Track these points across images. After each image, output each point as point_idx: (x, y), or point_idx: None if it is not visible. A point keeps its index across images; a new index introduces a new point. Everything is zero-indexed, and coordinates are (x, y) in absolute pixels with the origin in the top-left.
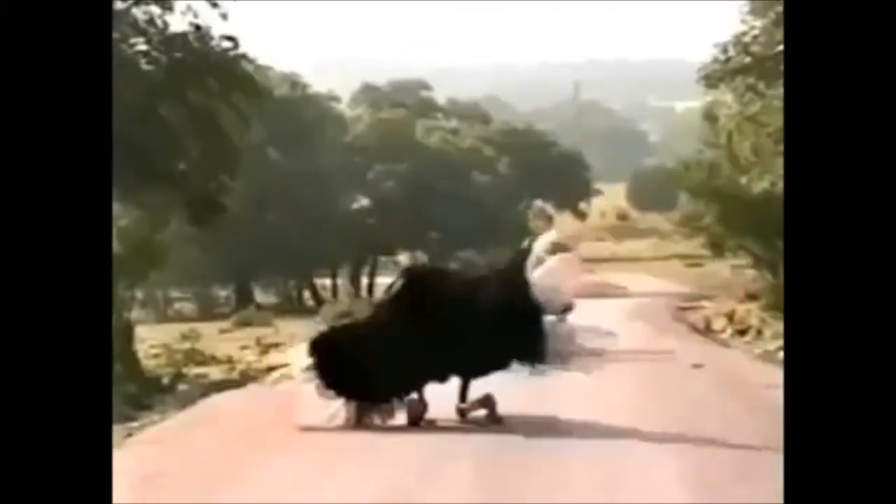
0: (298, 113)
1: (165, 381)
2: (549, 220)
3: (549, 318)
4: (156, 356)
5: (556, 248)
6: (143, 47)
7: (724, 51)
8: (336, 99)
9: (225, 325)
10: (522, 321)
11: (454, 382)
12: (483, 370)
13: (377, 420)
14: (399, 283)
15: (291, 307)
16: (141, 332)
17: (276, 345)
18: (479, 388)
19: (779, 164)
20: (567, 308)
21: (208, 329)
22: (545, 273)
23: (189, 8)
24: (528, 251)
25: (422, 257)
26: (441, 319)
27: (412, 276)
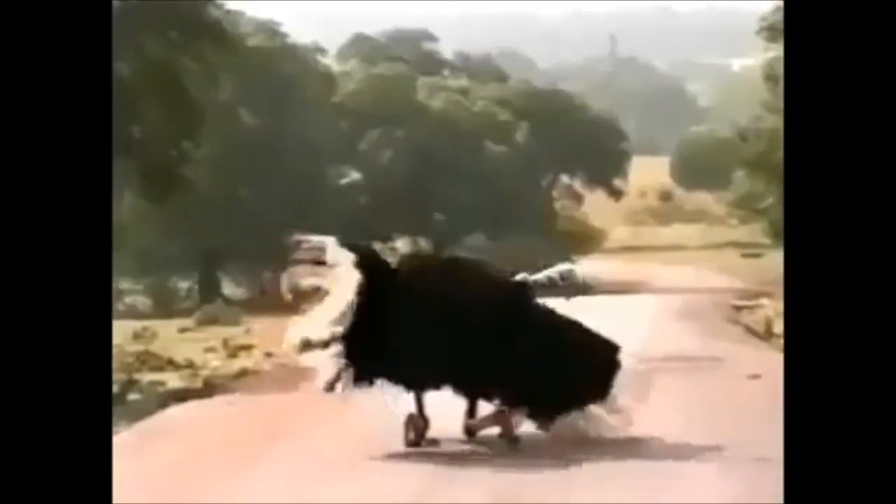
0: (276, 68)
1: (115, 389)
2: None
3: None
4: None
5: None
6: None
7: None
8: (322, 51)
9: (186, 322)
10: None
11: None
12: (485, 391)
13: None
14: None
15: (266, 302)
16: None
17: (247, 347)
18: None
19: None
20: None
21: (166, 327)
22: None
23: None
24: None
25: (424, 243)
26: (440, 318)
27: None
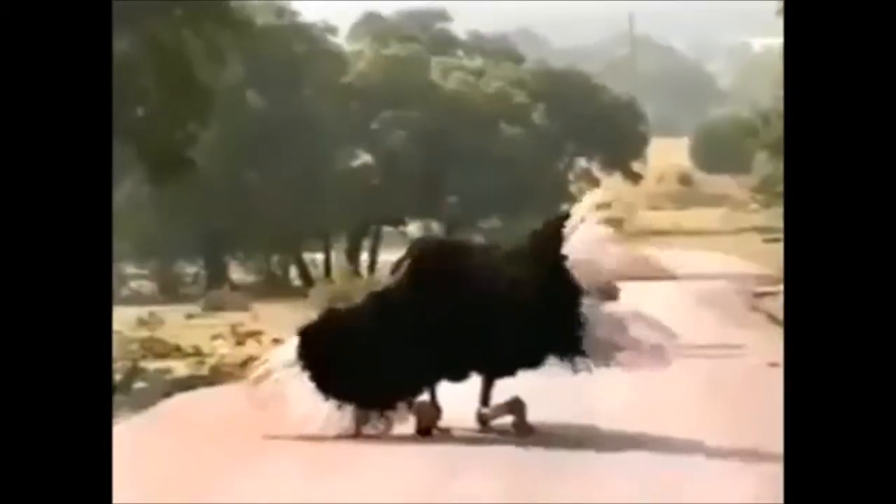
0: (286, 47)
1: (119, 376)
2: (596, 184)
3: (589, 303)
4: None
5: (598, 209)
6: None
7: None
8: (332, 31)
9: (192, 308)
10: (556, 306)
11: (474, 382)
12: (510, 368)
13: (379, 428)
14: (407, 260)
15: (274, 288)
16: None
17: (256, 333)
18: (504, 389)
19: None
20: (609, 290)
21: (172, 313)
22: (579, 243)
23: None
24: (565, 217)
25: (436, 227)
26: (459, 305)
27: (423, 251)
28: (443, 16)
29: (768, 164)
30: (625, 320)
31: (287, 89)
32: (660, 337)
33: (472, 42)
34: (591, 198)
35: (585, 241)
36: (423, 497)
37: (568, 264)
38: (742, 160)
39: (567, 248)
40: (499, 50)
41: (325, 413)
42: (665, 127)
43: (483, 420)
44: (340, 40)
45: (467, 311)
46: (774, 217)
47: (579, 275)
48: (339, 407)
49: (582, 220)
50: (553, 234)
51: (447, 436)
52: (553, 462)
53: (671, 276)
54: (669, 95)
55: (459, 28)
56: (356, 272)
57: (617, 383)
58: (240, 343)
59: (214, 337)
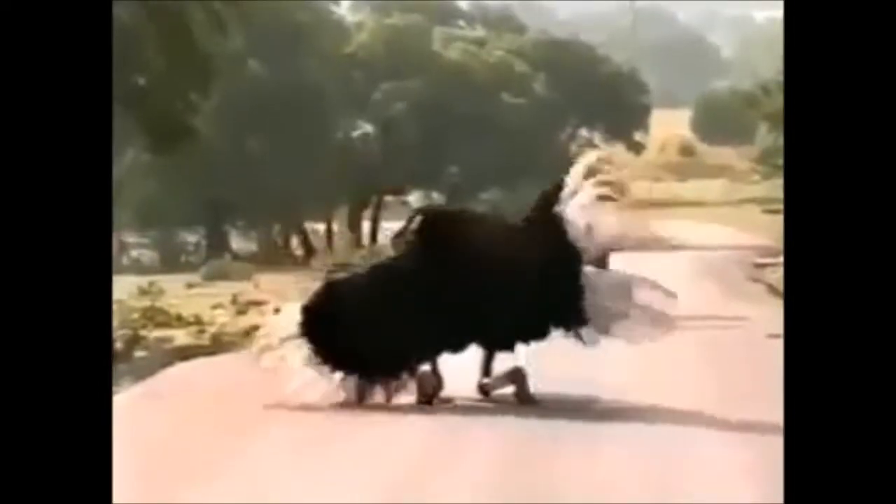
0: (287, 17)
1: (119, 346)
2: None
3: (589, 268)
4: None
5: (593, 174)
6: None
7: None
8: (334, 0)
9: (193, 277)
10: (556, 275)
11: (476, 353)
12: (511, 341)
13: (381, 397)
14: (410, 227)
15: (276, 257)
16: None
17: (257, 303)
18: (506, 359)
19: None
20: (606, 253)
21: (172, 283)
22: (577, 208)
23: None
24: (562, 184)
25: (437, 198)
26: (460, 275)
27: (426, 220)
28: None
29: (770, 135)
30: (627, 285)
31: (289, 59)
32: (662, 302)
33: (473, 12)
34: (583, 161)
35: (583, 206)
36: (423, 467)
37: (568, 233)
38: (743, 131)
39: (566, 215)
40: (500, 20)
41: (327, 383)
42: (667, 98)
43: (484, 390)
44: (342, 10)
45: (469, 281)
46: (775, 188)
47: (577, 240)
48: (343, 378)
49: (574, 192)
50: (550, 202)
51: (448, 406)
52: (554, 432)
53: (671, 247)
54: (672, 66)
55: None
56: (358, 241)
57: (618, 354)
58: (241, 313)
59: (215, 306)
